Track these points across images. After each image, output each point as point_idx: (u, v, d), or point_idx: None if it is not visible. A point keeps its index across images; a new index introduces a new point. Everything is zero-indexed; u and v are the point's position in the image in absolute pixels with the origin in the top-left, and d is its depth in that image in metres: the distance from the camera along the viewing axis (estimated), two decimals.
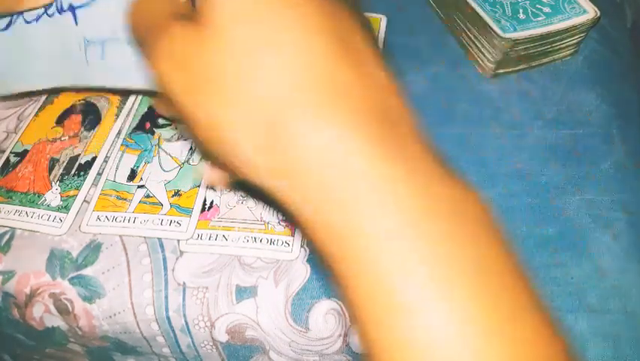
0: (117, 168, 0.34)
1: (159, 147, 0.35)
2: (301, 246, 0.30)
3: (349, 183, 0.15)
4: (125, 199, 0.33)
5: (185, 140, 0.35)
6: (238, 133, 0.17)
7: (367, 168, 0.15)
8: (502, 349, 0.14)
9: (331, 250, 0.16)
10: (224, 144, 0.18)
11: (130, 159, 0.35)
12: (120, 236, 0.31)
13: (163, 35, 0.18)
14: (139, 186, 0.33)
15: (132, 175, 0.34)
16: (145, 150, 0.35)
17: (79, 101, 0.39)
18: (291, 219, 0.17)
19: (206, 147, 0.19)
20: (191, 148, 0.35)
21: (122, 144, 0.36)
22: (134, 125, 0.37)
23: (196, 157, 0.34)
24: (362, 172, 0.15)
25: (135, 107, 0.38)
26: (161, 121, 0.37)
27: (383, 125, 0.16)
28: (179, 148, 0.35)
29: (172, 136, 0.36)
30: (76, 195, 0.33)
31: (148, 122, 0.37)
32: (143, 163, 0.34)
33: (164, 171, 0.34)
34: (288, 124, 0.16)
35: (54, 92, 0.39)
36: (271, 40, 0.16)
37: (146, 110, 0.37)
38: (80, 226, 0.32)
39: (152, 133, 0.36)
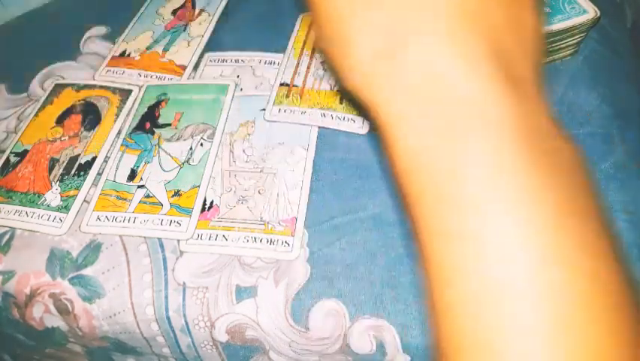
0: (117, 168, 0.34)
1: (159, 147, 0.35)
2: (301, 246, 0.30)
3: (453, 110, 0.15)
4: (125, 199, 0.33)
5: (185, 140, 0.35)
6: (358, 31, 0.17)
7: (475, 98, 0.15)
8: (575, 282, 0.13)
9: (415, 175, 0.15)
10: (340, 41, 0.17)
11: (130, 159, 0.35)
12: (120, 236, 0.31)
13: None
14: (139, 186, 0.33)
15: (132, 175, 0.34)
16: (145, 150, 0.35)
17: (79, 101, 0.39)
18: (381, 138, 0.17)
19: (322, 44, 0.18)
20: (190, 148, 0.35)
21: (122, 144, 0.36)
22: (134, 125, 0.37)
23: (196, 157, 0.34)
24: (469, 100, 0.15)
25: (135, 107, 0.38)
26: (161, 121, 0.37)
27: (509, 65, 0.16)
28: (179, 148, 0.35)
29: (172, 136, 0.36)
30: (77, 195, 0.33)
31: (148, 122, 0.37)
32: (143, 163, 0.34)
33: (164, 171, 0.34)
34: (410, 37, 0.16)
35: (55, 91, 0.39)
36: None
37: (146, 110, 0.37)
38: (80, 226, 0.32)
39: (152, 133, 0.36)
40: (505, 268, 0.13)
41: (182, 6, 0.45)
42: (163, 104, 0.38)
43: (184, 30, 0.43)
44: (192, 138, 0.35)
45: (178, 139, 0.35)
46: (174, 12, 0.45)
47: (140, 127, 0.37)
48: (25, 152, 0.36)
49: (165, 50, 0.42)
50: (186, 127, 0.36)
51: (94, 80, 0.40)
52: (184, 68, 0.40)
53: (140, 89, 0.39)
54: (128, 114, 0.37)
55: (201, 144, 0.35)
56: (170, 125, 0.36)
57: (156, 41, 0.42)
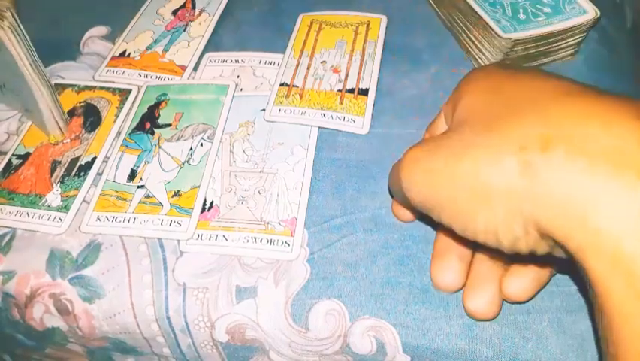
0: (117, 168, 0.34)
1: (159, 147, 0.35)
2: (301, 246, 0.30)
3: None
4: (125, 199, 0.33)
5: (185, 140, 0.35)
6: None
7: None
8: None
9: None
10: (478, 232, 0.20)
11: (130, 159, 0.35)
12: (120, 236, 0.31)
13: None
14: (139, 187, 0.33)
15: (132, 175, 0.34)
16: (145, 150, 0.35)
17: (79, 103, 0.39)
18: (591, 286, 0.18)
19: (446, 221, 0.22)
20: (190, 148, 0.35)
21: (121, 144, 0.36)
22: (134, 125, 0.37)
23: (196, 157, 0.34)
24: None
25: (135, 107, 0.38)
26: (160, 121, 0.37)
27: None
28: (179, 148, 0.35)
29: (172, 136, 0.36)
30: (76, 195, 0.33)
31: (148, 123, 0.37)
32: (143, 163, 0.35)
33: (164, 171, 0.34)
34: None
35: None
36: None
37: (146, 110, 0.37)
38: (79, 226, 0.32)
39: (152, 133, 0.36)
40: None
41: (182, 6, 0.45)
42: (163, 104, 0.38)
43: (184, 30, 0.43)
44: (192, 138, 0.35)
45: (178, 139, 0.35)
46: (174, 12, 0.45)
47: (139, 127, 0.37)
48: (28, 154, 0.36)
49: (165, 50, 0.42)
50: (186, 127, 0.36)
51: (94, 80, 0.40)
52: (184, 68, 0.40)
53: (139, 89, 0.39)
54: (127, 114, 0.37)
55: (201, 144, 0.35)
56: (170, 125, 0.36)
57: (156, 41, 0.42)
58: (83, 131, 0.37)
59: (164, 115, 0.37)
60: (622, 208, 0.15)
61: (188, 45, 0.42)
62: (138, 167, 0.34)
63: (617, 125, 0.17)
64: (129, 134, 0.36)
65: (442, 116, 0.27)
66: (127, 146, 0.36)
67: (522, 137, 0.18)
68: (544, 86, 0.20)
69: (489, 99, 0.21)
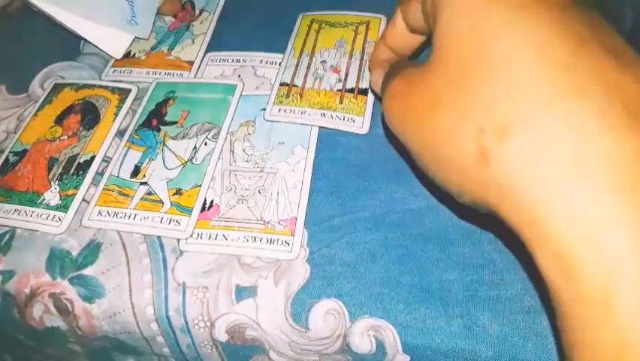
0: (122, 163, 0.34)
1: (164, 144, 0.35)
2: (301, 245, 0.30)
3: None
4: (127, 195, 0.33)
5: (190, 138, 0.35)
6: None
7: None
8: None
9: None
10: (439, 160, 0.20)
11: (134, 156, 0.35)
12: (120, 236, 0.31)
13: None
14: (141, 183, 0.33)
15: (135, 171, 0.34)
16: (150, 147, 0.35)
17: (78, 100, 0.39)
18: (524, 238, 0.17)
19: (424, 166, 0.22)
20: (195, 147, 0.35)
21: (127, 140, 0.36)
22: (141, 121, 0.37)
23: (200, 156, 0.34)
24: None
25: (137, 105, 0.38)
26: (167, 118, 0.37)
27: None
28: (184, 146, 0.35)
29: (177, 134, 0.36)
30: (75, 195, 0.33)
31: (155, 119, 0.37)
32: (147, 160, 0.34)
33: (167, 169, 0.34)
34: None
35: (54, 91, 0.39)
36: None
37: (153, 107, 0.37)
38: (81, 220, 0.32)
39: (159, 130, 0.36)
40: None
41: (182, 9, 0.45)
42: (170, 101, 0.38)
43: (187, 29, 0.43)
44: (197, 136, 0.35)
45: (183, 137, 0.35)
46: (174, 14, 0.45)
47: (146, 124, 0.37)
48: (25, 151, 0.36)
49: (170, 48, 0.42)
50: (192, 126, 0.36)
51: (100, 80, 0.40)
52: (191, 63, 0.40)
53: (149, 86, 0.39)
54: (127, 113, 0.37)
55: (205, 144, 0.35)
56: (176, 123, 0.36)
57: (160, 42, 0.42)
58: (81, 128, 0.37)
59: (171, 112, 0.37)
60: (576, 213, 0.15)
61: (193, 43, 0.42)
62: (142, 163, 0.34)
63: (585, 127, 0.15)
64: (136, 130, 0.36)
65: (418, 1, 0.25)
66: (133, 142, 0.36)
67: (483, 113, 0.17)
68: (526, 41, 0.17)
69: (472, 28, 0.18)
